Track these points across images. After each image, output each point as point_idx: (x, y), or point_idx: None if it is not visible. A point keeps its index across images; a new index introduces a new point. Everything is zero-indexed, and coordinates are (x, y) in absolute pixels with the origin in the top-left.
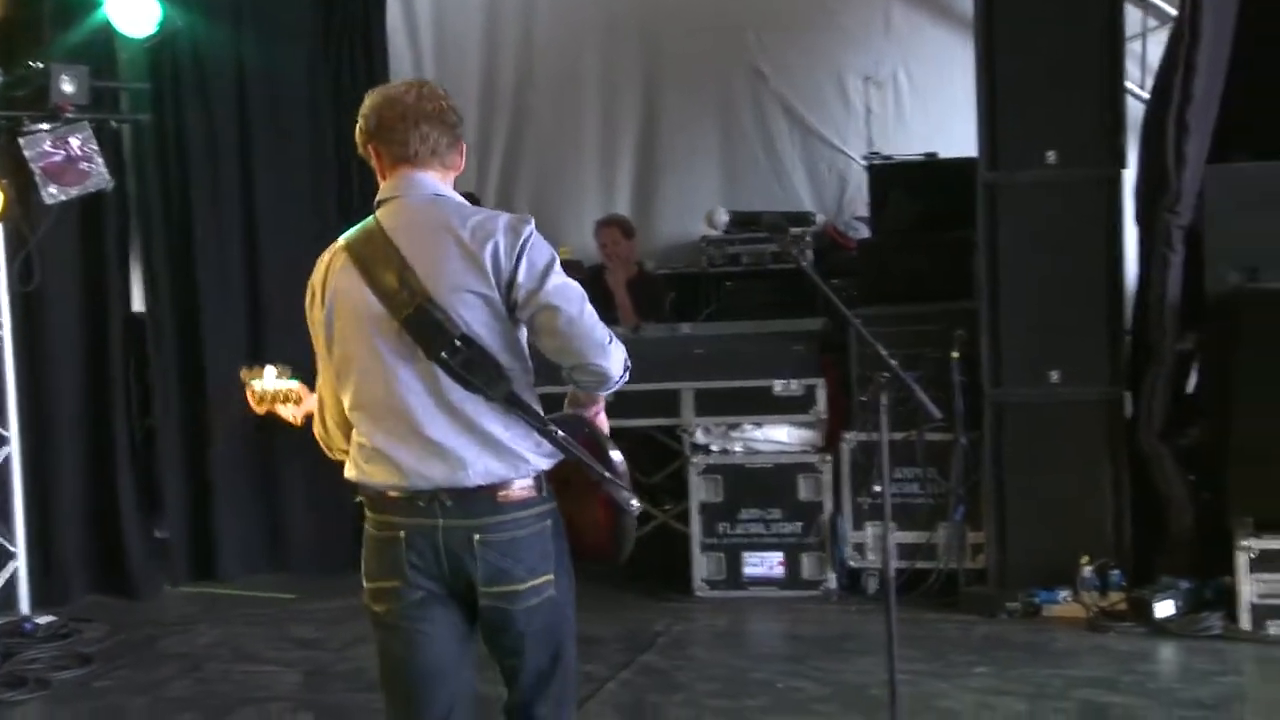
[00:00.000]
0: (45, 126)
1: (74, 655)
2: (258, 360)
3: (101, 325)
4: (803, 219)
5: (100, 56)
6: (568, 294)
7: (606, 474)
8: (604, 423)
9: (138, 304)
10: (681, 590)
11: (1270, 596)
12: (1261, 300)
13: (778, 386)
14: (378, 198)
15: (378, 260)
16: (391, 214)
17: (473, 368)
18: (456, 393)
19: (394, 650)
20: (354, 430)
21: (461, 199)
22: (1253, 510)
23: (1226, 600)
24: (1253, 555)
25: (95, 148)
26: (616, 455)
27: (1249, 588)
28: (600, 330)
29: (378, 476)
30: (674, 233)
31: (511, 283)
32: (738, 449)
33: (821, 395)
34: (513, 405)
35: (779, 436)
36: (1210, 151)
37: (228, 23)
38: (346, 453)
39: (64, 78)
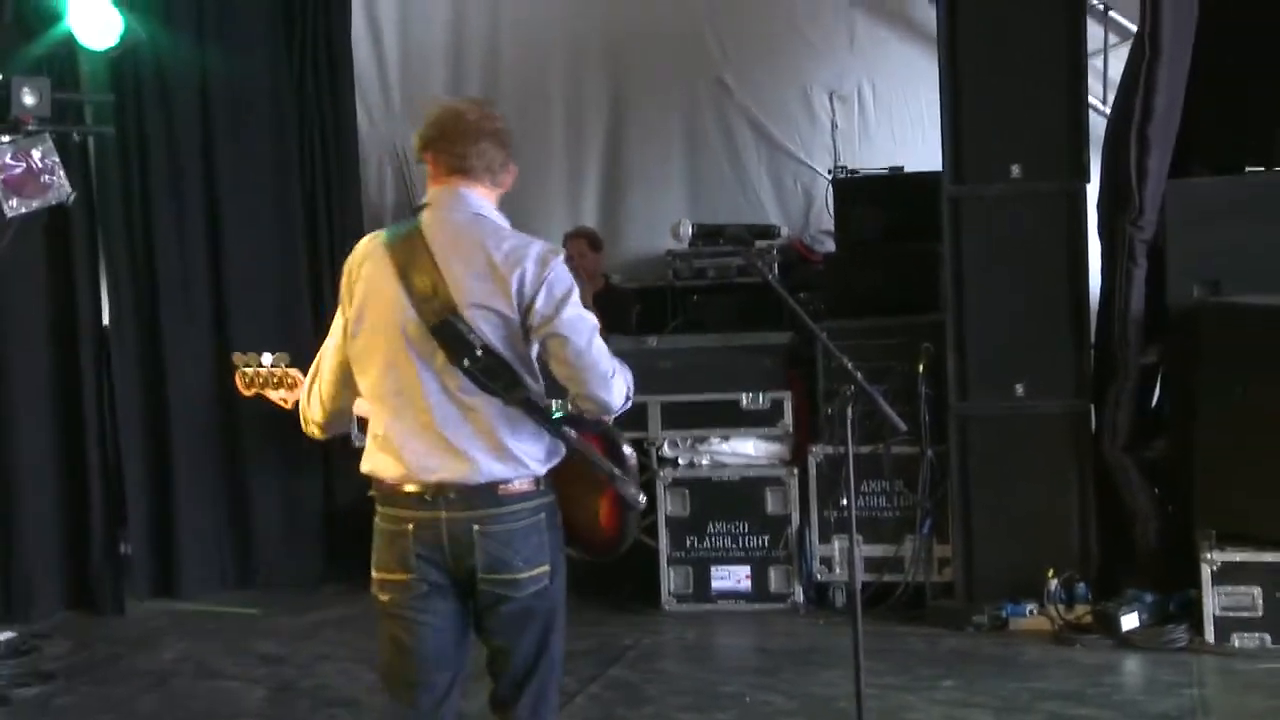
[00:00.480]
0: (6, 139)
1: (35, 672)
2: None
3: (70, 339)
4: (767, 232)
5: (62, 69)
6: (578, 326)
7: (616, 471)
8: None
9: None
10: (650, 604)
11: (1234, 609)
12: (1223, 314)
13: (745, 400)
14: (423, 201)
15: (414, 264)
16: (434, 223)
17: (492, 374)
18: (473, 397)
19: (398, 637)
20: (370, 422)
21: (502, 220)
22: (1217, 523)
23: (1191, 613)
24: (1216, 568)
25: (57, 160)
26: (629, 451)
27: (1213, 600)
28: (605, 363)
29: (387, 469)
30: (640, 246)
31: (530, 307)
32: (705, 462)
33: (788, 408)
34: (528, 409)
35: (746, 450)
36: (1171, 166)
37: (190, 34)
38: (319, 426)
39: (25, 90)
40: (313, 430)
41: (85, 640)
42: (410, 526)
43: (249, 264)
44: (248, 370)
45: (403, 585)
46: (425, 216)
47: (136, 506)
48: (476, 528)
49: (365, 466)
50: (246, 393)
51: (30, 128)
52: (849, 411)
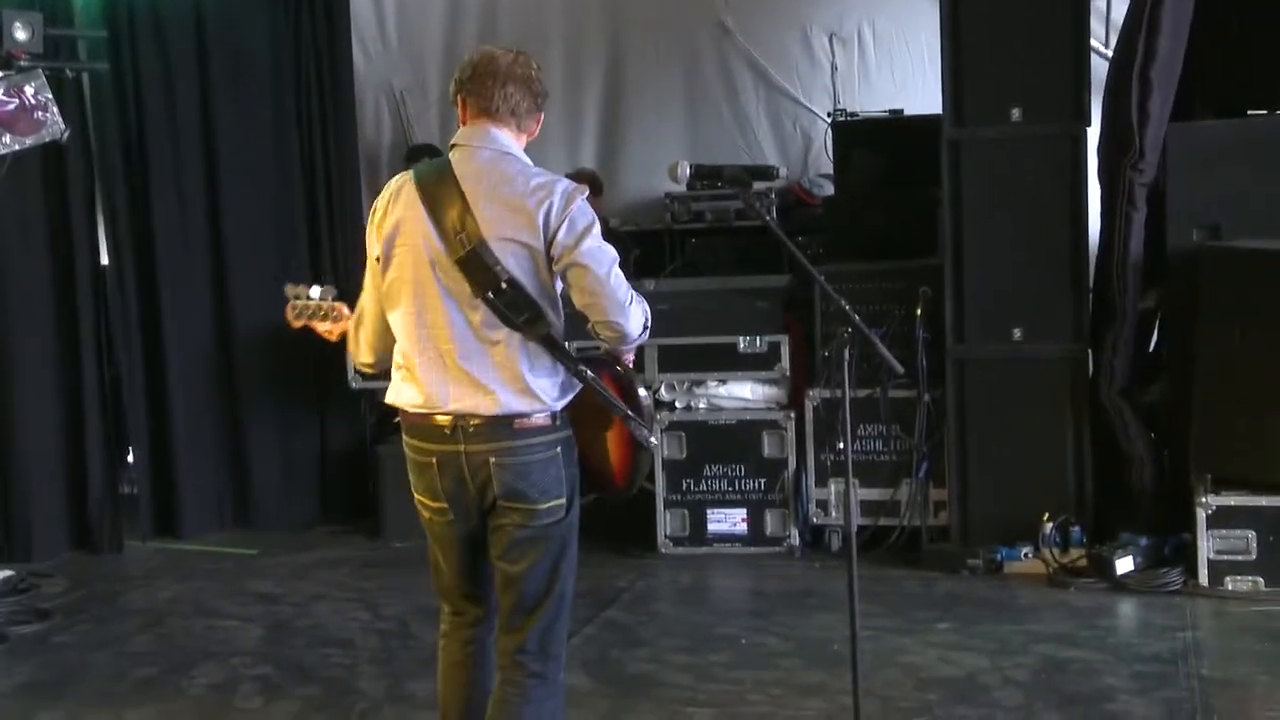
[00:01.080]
0: None
1: (32, 610)
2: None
3: (68, 277)
4: (766, 173)
5: (54, 3)
6: (599, 256)
7: (629, 412)
8: (631, 364)
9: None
10: (646, 546)
11: (1228, 553)
12: (1223, 258)
13: (742, 343)
14: (453, 140)
15: (443, 199)
16: (463, 160)
17: (516, 307)
18: (495, 331)
19: (436, 558)
20: (396, 353)
21: (527, 160)
22: (1212, 467)
23: (1185, 556)
24: (1210, 512)
25: (50, 96)
26: (644, 394)
27: (1207, 544)
28: (623, 292)
29: (411, 400)
30: (638, 189)
31: (554, 239)
32: (702, 406)
33: (785, 352)
34: (548, 344)
35: (743, 393)
36: (1173, 109)
37: None
38: (369, 366)
39: (17, 25)
40: (363, 368)
41: (84, 579)
42: (434, 460)
43: (246, 203)
44: (297, 302)
45: (437, 510)
46: (455, 154)
47: (137, 448)
48: (493, 460)
49: (390, 397)
50: (295, 324)
51: (22, 63)
52: (846, 354)
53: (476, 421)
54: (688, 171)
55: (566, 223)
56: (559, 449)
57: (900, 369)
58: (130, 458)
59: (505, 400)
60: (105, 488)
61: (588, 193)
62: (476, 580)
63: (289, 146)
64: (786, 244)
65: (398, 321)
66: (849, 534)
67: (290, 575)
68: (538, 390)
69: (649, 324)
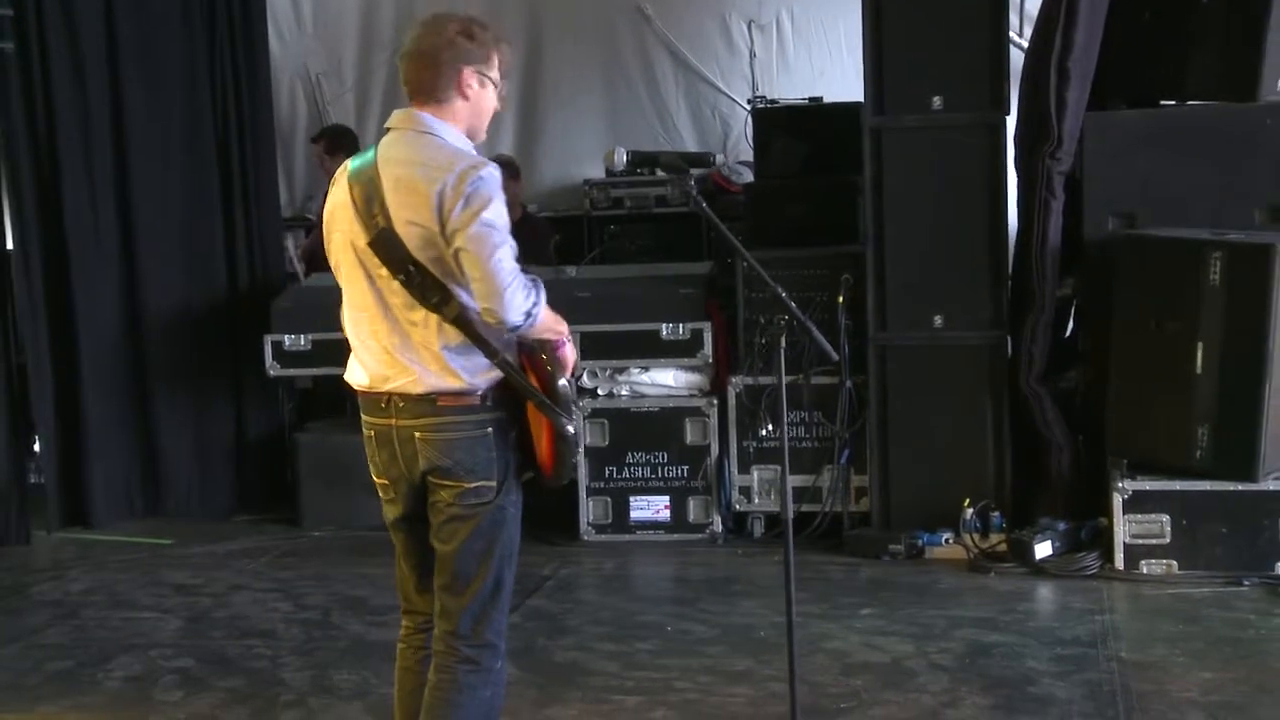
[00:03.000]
0: None
1: None
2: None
3: None
4: (702, 159)
5: None
6: (482, 240)
7: (544, 399)
8: (567, 355)
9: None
10: (568, 534)
11: (1143, 537)
12: (1137, 246)
13: (665, 330)
14: (386, 124)
15: (364, 185)
16: (387, 143)
17: (425, 290)
18: (413, 312)
19: (388, 527)
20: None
21: (454, 140)
22: (1128, 452)
23: (1102, 540)
24: (1126, 497)
25: None
26: (562, 383)
27: (1123, 528)
28: (502, 278)
29: (355, 377)
30: (557, 176)
31: (446, 220)
32: (624, 393)
33: (708, 339)
34: (461, 326)
35: (666, 380)
36: (1089, 99)
37: None
38: None
39: None
40: None
41: None
42: (372, 434)
43: (159, 188)
44: None
45: (381, 488)
46: (384, 138)
47: (45, 437)
48: (419, 435)
49: (346, 376)
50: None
51: None
52: (783, 342)
53: (405, 399)
54: (624, 158)
55: (461, 202)
56: (489, 430)
57: (835, 355)
58: (36, 446)
59: (427, 379)
60: (11, 477)
61: (491, 170)
62: (423, 572)
63: (203, 130)
64: (723, 232)
65: (344, 304)
66: (786, 519)
67: (207, 565)
68: (457, 369)
69: (534, 314)
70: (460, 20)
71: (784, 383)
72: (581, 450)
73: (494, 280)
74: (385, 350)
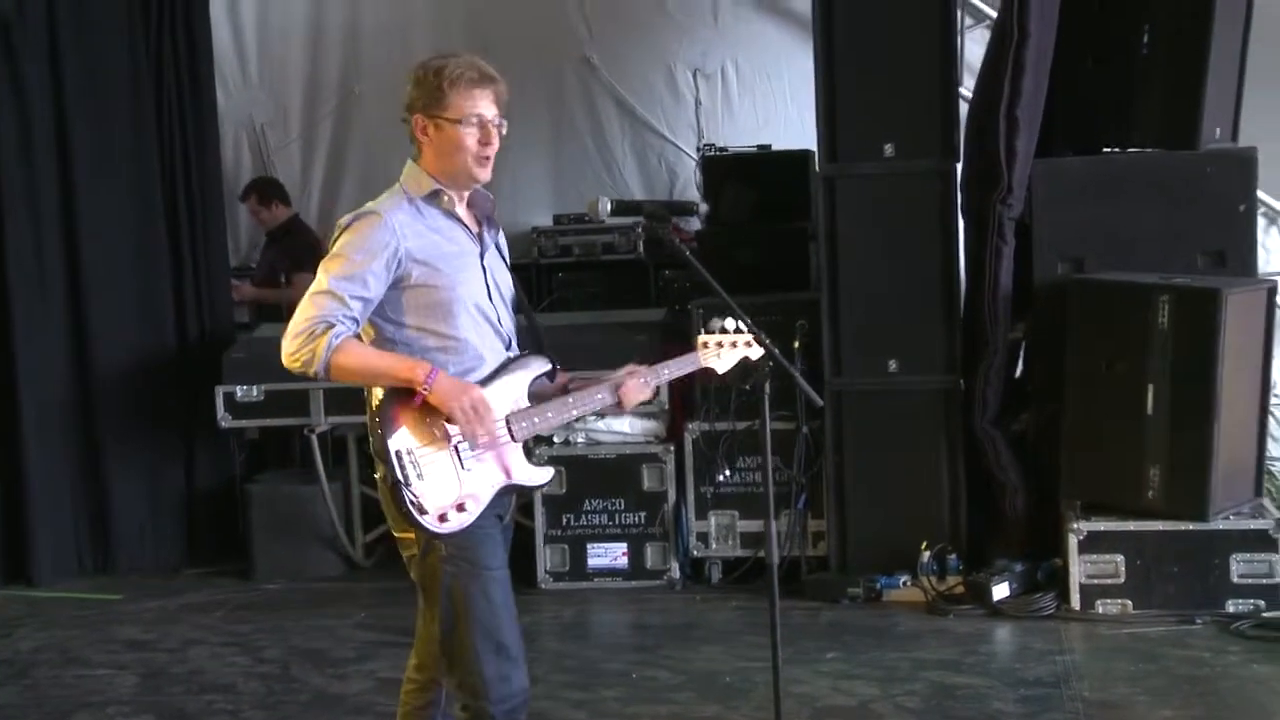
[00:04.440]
0: None
1: None
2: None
3: None
4: (686, 207)
5: None
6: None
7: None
8: (442, 398)
9: None
10: (526, 582)
11: (1098, 577)
12: (1088, 289)
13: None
14: None
15: None
16: None
17: None
18: None
19: None
20: None
21: (413, 184)
22: (1081, 494)
23: (1058, 581)
24: (1081, 537)
25: None
26: (393, 442)
27: (1078, 569)
28: (294, 323)
29: None
30: (506, 224)
31: None
32: (580, 440)
33: (665, 386)
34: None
35: (622, 427)
36: (1036, 147)
37: (42, 11)
38: None
39: None
40: None
41: None
42: None
43: (106, 238)
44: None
45: None
46: None
47: None
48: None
49: None
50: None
51: None
52: (767, 388)
53: None
54: (608, 207)
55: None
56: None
57: (820, 401)
58: None
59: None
60: None
61: (353, 218)
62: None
63: (151, 180)
64: (705, 276)
65: None
66: (770, 563)
67: (160, 620)
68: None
69: (307, 361)
70: (419, 67)
71: (768, 428)
72: (539, 498)
73: (293, 322)
74: None
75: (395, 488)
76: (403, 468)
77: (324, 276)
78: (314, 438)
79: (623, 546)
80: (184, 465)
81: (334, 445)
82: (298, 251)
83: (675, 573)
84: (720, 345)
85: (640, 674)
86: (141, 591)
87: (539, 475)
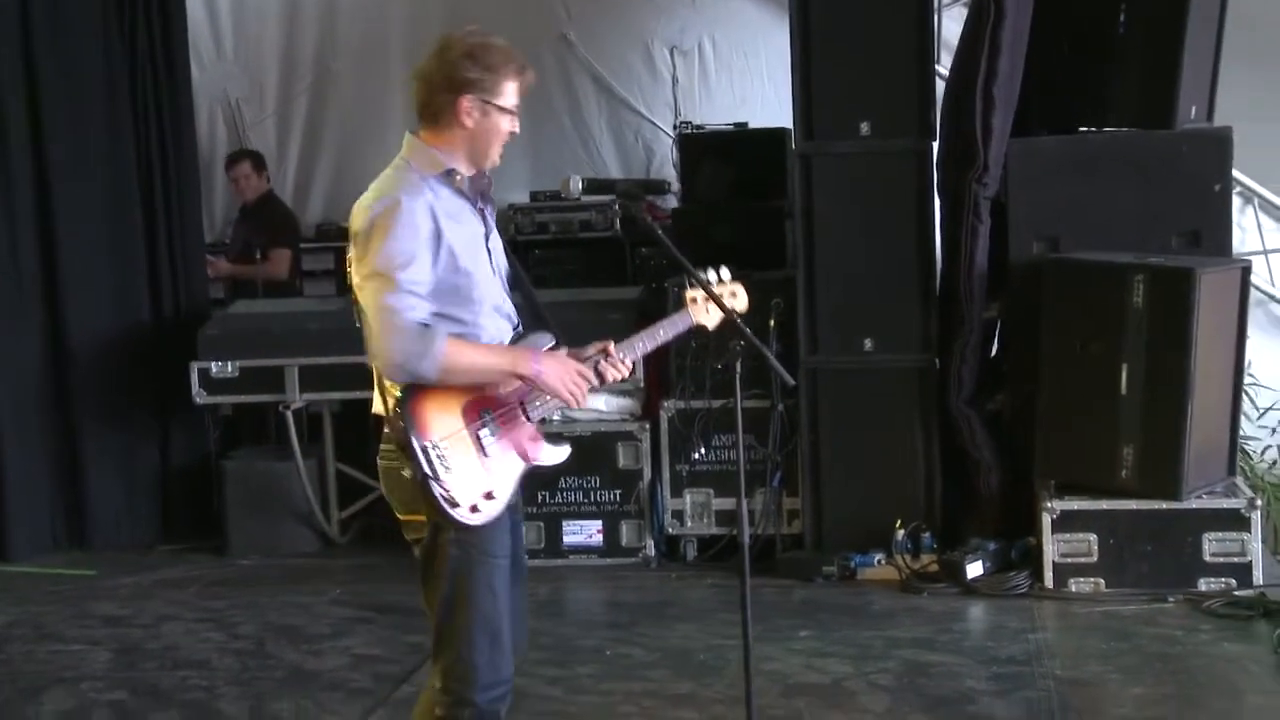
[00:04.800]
0: None
1: None
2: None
3: None
4: (658, 186)
5: None
6: (369, 294)
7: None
8: (552, 383)
9: None
10: None
11: (1071, 555)
12: (1062, 269)
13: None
14: None
15: None
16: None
17: (362, 316)
18: (364, 330)
19: None
20: None
21: (427, 164)
22: (1055, 473)
23: (1031, 560)
24: (1054, 516)
25: None
26: (416, 440)
27: (1051, 547)
28: (385, 323)
29: None
30: None
31: (355, 264)
32: (556, 418)
33: (640, 364)
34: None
35: (598, 405)
36: (1012, 126)
37: None
38: None
39: None
40: None
41: None
42: None
43: (80, 215)
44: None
45: None
46: None
47: None
48: (378, 459)
49: None
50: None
51: None
52: (739, 367)
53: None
54: (580, 186)
55: (360, 249)
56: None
57: (792, 381)
58: None
59: (376, 402)
60: None
61: (389, 204)
62: None
63: (125, 156)
64: (675, 256)
65: None
66: (742, 543)
67: (134, 596)
68: (387, 396)
69: (419, 362)
70: (468, 43)
71: (740, 407)
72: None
73: (375, 338)
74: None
75: (424, 483)
76: (430, 463)
77: (388, 275)
78: (289, 414)
79: (598, 524)
80: (159, 442)
81: (310, 421)
82: (274, 226)
83: (650, 550)
84: (709, 301)
85: (614, 651)
86: (116, 567)
87: (555, 454)
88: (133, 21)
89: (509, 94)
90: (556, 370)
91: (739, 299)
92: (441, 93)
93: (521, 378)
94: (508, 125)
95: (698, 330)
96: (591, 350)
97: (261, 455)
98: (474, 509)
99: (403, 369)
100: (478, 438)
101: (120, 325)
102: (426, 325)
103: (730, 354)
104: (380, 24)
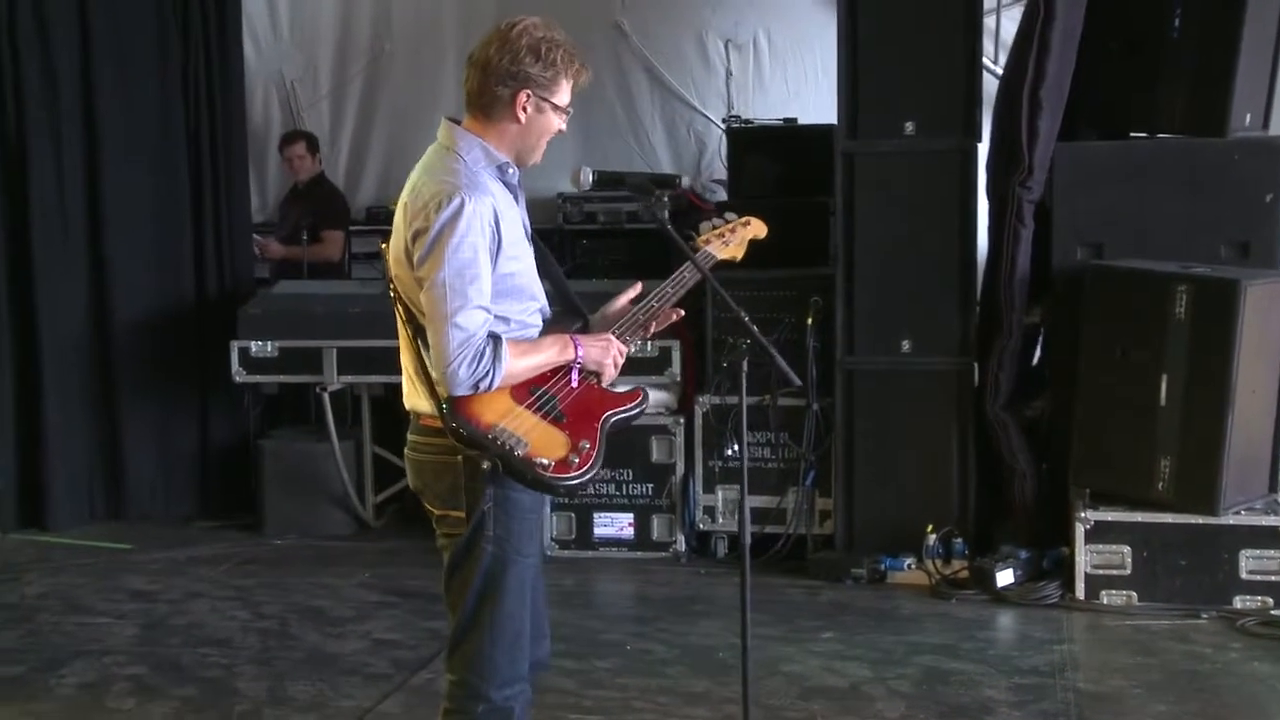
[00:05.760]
0: None
1: None
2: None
3: None
4: (667, 181)
5: None
6: (435, 305)
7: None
8: (594, 363)
9: None
10: None
11: (1104, 567)
12: (1107, 276)
13: (633, 347)
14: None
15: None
16: (426, 154)
17: (405, 308)
18: (406, 328)
19: None
20: None
21: (476, 159)
22: (1091, 482)
23: (1063, 570)
24: (1088, 527)
25: None
26: (494, 434)
27: (1084, 558)
28: (451, 342)
29: None
30: (531, 189)
31: (415, 267)
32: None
33: (677, 357)
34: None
35: None
36: (1060, 129)
37: None
38: None
39: None
40: None
41: None
42: None
43: (129, 189)
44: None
45: None
46: (430, 147)
47: (4, 436)
48: (407, 449)
49: None
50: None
51: None
52: (744, 365)
53: (409, 414)
54: (590, 177)
55: (422, 253)
56: (458, 458)
57: (797, 381)
58: None
59: (411, 397)
60: None
61: (455, 207)
62: None
63: (175, 134)
64: (685, 250)
65: None
66: (743, 542)
67: (166, 571)
68: (426, 393)
69: (484, 384)
70: (535, 35)
71: (745, 404)
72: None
73: (441, 353)
74: (401, 361)
75: (511, 464)
76: (505, 445)
77: (459, 289)
78: (326, 396)
79: (629, 517)
80: (198, 418)
81: (352, 404)
82: (326, 207)
83: (681, 545)
84: (721, 235)
85: (635, 646)
86: (152, 541)
87: (631, 400)
88: (186, 2)
89: (565, 93)
90: (599, 353)
91: (753, 226)
92: (499, 84)
93: (566, 364)
94: (559, 124)
95: (726, 263)
96: (623, 300)
97: (299, 436)
98: (562, 465)
99: (466, 384)
100: (537, 409)
101: (164, 301)
102: (494, 337)
103: (737, 352)
104: (435, 7)
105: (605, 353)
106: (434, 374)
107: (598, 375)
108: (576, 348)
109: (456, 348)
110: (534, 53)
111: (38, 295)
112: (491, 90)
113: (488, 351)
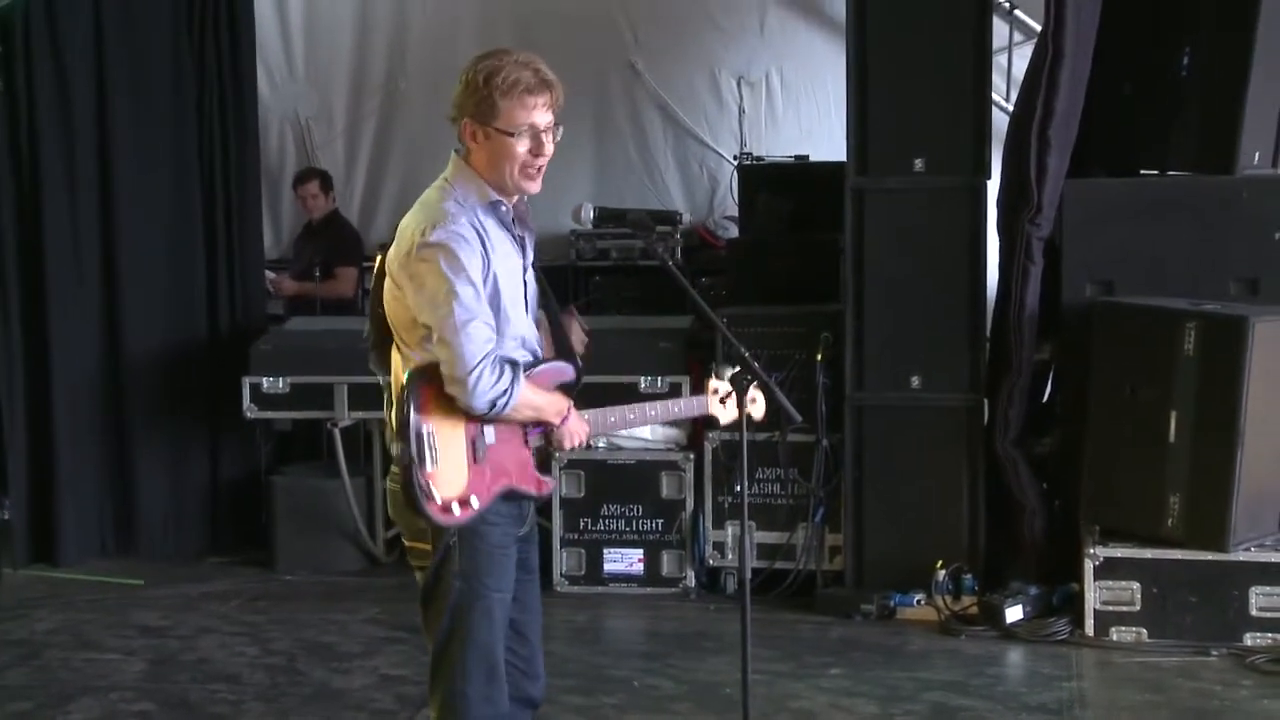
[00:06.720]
0: None
1: None
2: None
3: None
4: (668, 217)
5: None
6: (443, 323)
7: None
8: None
9: None
10: (541, 584)
11: (1114, 604)
12: (1115, 313)
13: (643, 383)
14: None
15: None
16: None
17: (385, 332)
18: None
19: None
20: None
21: (463, 188)
22: (1101, 519)
23: (1073, 606)
24: (1098, 563)
25: None
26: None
27: (1094, 594)
28: (464, 357)
29: None
30: (544, 226)
31: (409, 304)
32: (601, 445)
33: (687, 393)
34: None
35: (643, 433)
36: (1070, 166)
37: (88, 2)
38: None
39: None
40: None
41: None
42: None
43: (142, 227)
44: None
45: None
46: None
47: (16, 470)
48: (387, 480)
49: None
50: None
51: None
52: (746, 400)
53: None
54: (591, 214)
55: (413, 288)
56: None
57: (799, 417)
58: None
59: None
60: None
61: (438, 237)
62: None
63: (189, 170)
64: (687, 289)
65: None
66: (744, 578)
67: (177, 607)
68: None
69: (501, 403)
70: (474, 66)
71: (745, 441)
72: (557, 501)
73: (460, 359)
74: None
75: (408, 468)
76: (420, 449)
77: (457, 308)
78: (337, 431)
79: (639, 553)
80: (210, 453)
81: (363, 440)
82: (340, 244)
83: (690, 581)
84: (724, 398)
85: (642, 682)
86: (163, 577)
87: (542, 485)
88: (201, 40)
89: (509, 116)
90: (576, 430)
91: (758, 405)
92: (452, 118)
93: (544, 422)
94: (520, 147)
95: (710, 419)
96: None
97: (310, 472)
98: (446, 509)
99: (487, 395)
100: (473, 442)
101: (176, 336)
102: (512, 363)
103: (739, 388)
104: (450, 46)
105: (576, 435)
106: (453, 388)
107: (551, 442)
108: (565, 418)
109: (477, 351)
110: (468, 84)
111: (50, 329)
112: (455, 127)
113: (508, 370)
